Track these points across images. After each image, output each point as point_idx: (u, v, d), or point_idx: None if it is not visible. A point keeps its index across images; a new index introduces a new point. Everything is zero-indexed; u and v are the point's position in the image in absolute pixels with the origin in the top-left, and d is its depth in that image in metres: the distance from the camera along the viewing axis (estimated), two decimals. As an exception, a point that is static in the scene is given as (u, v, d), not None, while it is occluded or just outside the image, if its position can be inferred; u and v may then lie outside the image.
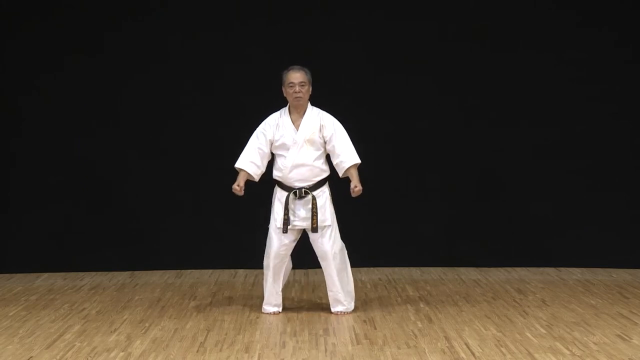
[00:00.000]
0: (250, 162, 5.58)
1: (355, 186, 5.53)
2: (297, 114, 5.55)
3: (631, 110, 7.09)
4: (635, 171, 7.11)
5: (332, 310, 5.59)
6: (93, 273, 7.05)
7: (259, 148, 5.57)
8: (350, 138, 5.59)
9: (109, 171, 7.16)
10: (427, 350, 4.69)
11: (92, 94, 7.10)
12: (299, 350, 4.75)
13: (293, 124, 5.53)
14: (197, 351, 4.76)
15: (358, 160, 5.58)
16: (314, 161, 5.49)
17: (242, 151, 5.65)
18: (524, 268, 7.06)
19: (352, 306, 5.61)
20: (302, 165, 5.48)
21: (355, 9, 7.07)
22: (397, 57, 7.08)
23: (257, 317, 5.52)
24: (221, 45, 7.07)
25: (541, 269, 7.04)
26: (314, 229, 5.47)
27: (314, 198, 5.46)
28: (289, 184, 5.51)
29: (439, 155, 7.16)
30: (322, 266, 5.61)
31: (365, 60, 7.11)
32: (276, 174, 5.56)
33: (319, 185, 5.52)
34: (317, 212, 5.45)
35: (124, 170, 7.16)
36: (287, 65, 5.62)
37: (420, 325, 5.25)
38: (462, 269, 7.04)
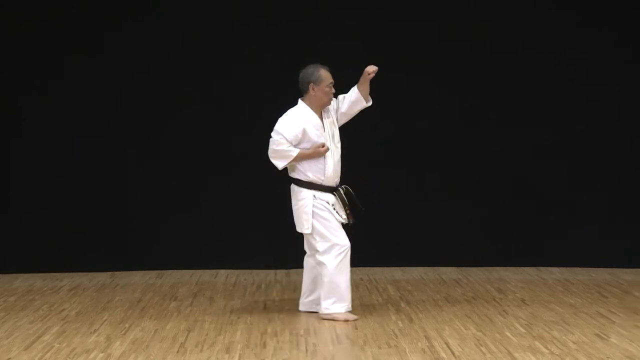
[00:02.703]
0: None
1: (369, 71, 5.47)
2: (318, 113, 5.47)
3: (631, 110, 7.10)
4: (615, 171, 7.16)
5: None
6: (73, 274, 7.01)
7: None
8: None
9: (91, 173, 7.13)
10: (407, 350, 4.70)
11: (92, 94, 7.08)
12: (280, 351, 4.74)
13: (322, 122, 5.45)
14: (178, 352, 4.75)
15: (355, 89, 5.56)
16: (339, 157, 5.49)
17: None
18: (504, 267, 7.10)
19: None
20: (338, 160, 5.47)
21: (355, 9, 7.09)
22: (397, 57, 7.08)
23: (238, 318, 5.51)
24: (221, 45, 7.07)
25: (521, 268, 7.08)
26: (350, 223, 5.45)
27: (347, 190, 5.45)
28: (329, 185, 5.43)
29: (437, 155, 7.14)
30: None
31: (365, 60, 7.08)
32: (317, 177, 5.38)
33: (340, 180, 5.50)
34: (353, 203, 5.45)
35: (107, 172, 7.13)
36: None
37: (400, 325, 5.26)
38: (443, 269, 7.07)
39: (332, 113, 5.54)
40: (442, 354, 4.61)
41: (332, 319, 5.34)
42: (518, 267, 7.09)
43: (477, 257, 7.15)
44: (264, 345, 4.87)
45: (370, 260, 7.15)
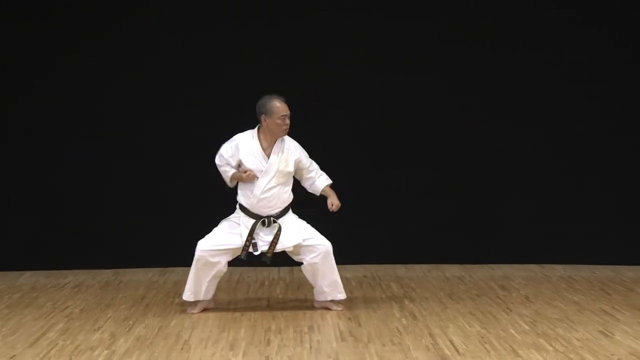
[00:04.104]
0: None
1: (332, 204, 5.55)
2: (268, 143, 5.49)
3: (631, 110, 7.09)
4: (617, 170, 7.15)
5: (329, 298, 5.56)
6: (76, 271, 7.02)
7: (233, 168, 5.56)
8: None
9: (95, 170, 7.13)
10: (411, 347, 4.71)
11: (92, 93, 7.07)
12: (284, 348, 4.75)
13: (264, 152, 5.48)
14: (182, 349, 4.76)
15: (330, 181, 5.63)
16: (283, 190, 5.48)
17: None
18: (507, 265, 7.10)
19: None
20: (271, 194, 5.46)
21: (355, 9, 7.08)
22: (397, 57, 7.07)
23: (242, 315, 5.51)
24: (221, 45, 7.06)
25: (524, 265, 7.08)
26: (268, 258, 5.49)
27: (279, 227, 5.46)
28: (256, 212, 5.48)
29: (437, 154, 7.13)
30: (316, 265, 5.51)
31: (365, 60, 7.10)
32: (244, 201, 5.50)
33: (284, 212, 5.51)
34: (277, 242, 5.46)
35: (109, 170, 7.14)
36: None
37: (404, 322, 5.27)
38: (446, 266, 7.07)
39: (293, 156, 5.50)
40: (446, 352, 4.61)
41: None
42: (522, 265, 7.09)
43: (480, 254, 7.15)
44: (268, 342, 4.88)
45: (374, 257, 7.16)
